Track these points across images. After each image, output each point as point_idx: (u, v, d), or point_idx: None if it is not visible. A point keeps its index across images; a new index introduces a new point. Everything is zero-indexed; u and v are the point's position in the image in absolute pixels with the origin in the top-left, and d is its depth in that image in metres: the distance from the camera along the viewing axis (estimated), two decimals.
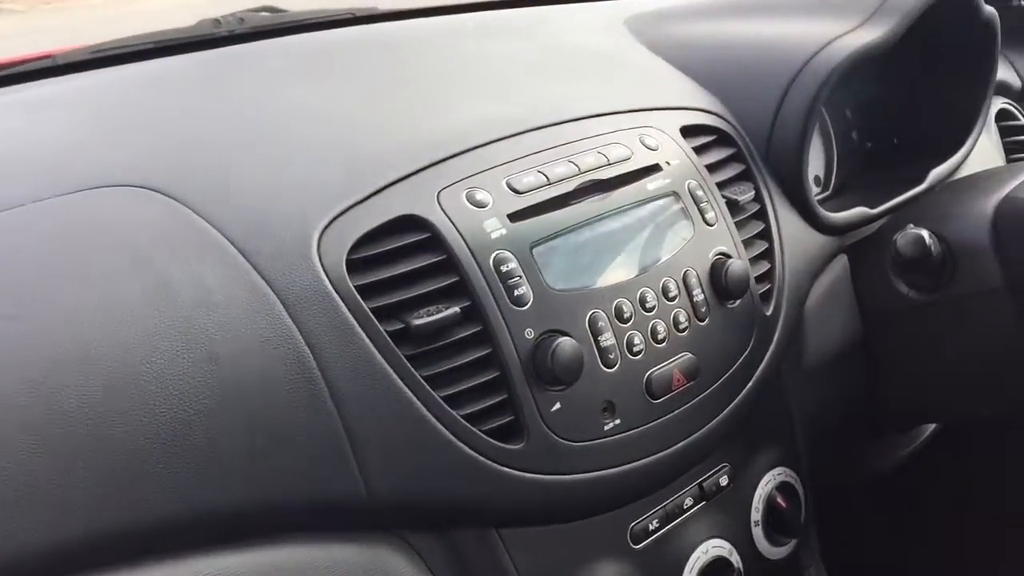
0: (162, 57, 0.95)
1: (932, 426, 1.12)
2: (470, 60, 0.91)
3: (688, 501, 0.79)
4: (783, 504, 0.84)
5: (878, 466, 1.09)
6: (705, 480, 0.80)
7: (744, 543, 0.82)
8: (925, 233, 0.81)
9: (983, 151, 1.15)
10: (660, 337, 0.74)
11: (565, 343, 0.67)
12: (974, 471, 1.19)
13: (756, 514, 0.84)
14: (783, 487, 0.86)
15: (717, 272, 0.78)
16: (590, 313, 0.71)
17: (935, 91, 1.10)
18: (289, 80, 0.85)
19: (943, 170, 1.06)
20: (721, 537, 0.80)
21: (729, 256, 0.80)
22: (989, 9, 1.02)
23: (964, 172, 1.11)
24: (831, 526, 1.00)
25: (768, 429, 0.87)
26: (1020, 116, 1.24)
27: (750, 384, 0.81)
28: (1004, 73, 1.25)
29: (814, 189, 1.12)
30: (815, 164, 1.13)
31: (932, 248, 0.82)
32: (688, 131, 0.85)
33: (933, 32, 1.03)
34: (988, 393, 0.96)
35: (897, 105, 1.13)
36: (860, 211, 0.98)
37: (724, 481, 0.82)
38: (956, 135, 1.09)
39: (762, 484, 0.85)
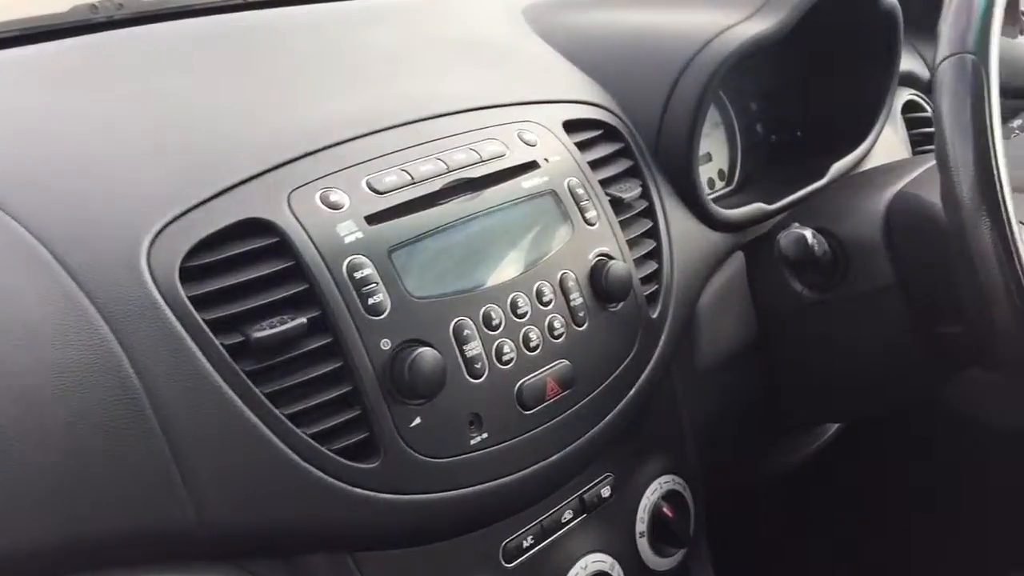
0: (31, 44, 0.88)
1: (831, 429, 1.11)
2: (340, 50, 0.86)
3: (567, 514, 0.76)
4: (669, 514, 0.82)
5: (782, 465, 1.07)
6: (586, 492, 0.77)
7: (628, 556, 0.79)
8: (808, 233, 0.79)
9: (889, 144, 1.14)
10: (533, 345, 0.71)
11: (424, 354, 0.63)
12: (878, 468, 1.18)
13: (641, 525, 0.81)
14: (670, 495, 0.83)
15: (597, 274, 0.75)
16: (455, 321, 0.67)
17: (838, 83, 1.08)
18: (146, 71, 0.79)
19: (845, 164, 1.04)
20: (603, 551, 0.77)
21: (611, 257, 0.76)
22: (891, 1, 0.99)
23: (869, 165, 1.09)
24: (730, 530, 0.98)
25: (656, 435, 0.84)
26: (928, 108, 1.22)
27: (633, 390, 0.77)
28: (911, 64, 1.23)
29: (718, 183, 1.10)
30: (719, 157, 1.10)
31: (816, 248, 0.79)
32: (572, 126, 0.82)
33: (832, 22, 1.00)
34: (884, 390, 0.94)
35: (800, 97, 1.10)
36: (757, 207, 0.95)
37: (606, 492, 0.79)
38: (859, 128, 1.07)
39: (648, 493, 0.82)
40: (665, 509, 0.81)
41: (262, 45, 0.88)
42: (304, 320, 0.61)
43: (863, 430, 1.13)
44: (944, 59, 0.71)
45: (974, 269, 0.67)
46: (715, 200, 1.08)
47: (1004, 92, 1.23)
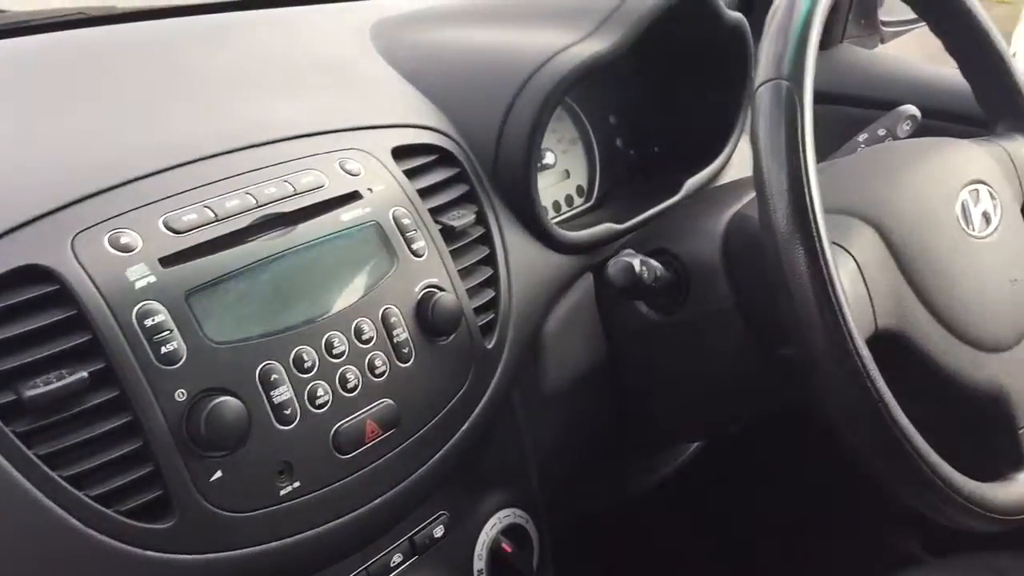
0: None
1: (692, 446, 1.11)
2: (164, 73, 0.82)
3: (396, 558, 0.73)
4: (508, 549, 0.80)
5: (641, 484, 1.06)
6: (416, 533, 0.75)
7: None
8: (637, 261, 0.78)
9: (745, 159, 1.14)
10: (351, 386, 0.68)
11: (223, 403, 0.60)
12: (736, 483, 1.19)
13: (480, 562, 0.79)
14: (511, 530, 0.81)
15: (424, 307, 0.72)
16: (261, 366, 0.64)
17: (692, 97, 1.07)
18: None
19: (699, 180, 1.04)
20: None
21: (440, 289, 0.74)
22: (734, 15, 0.99)
23: (726, 180, 1.09)
24: (586, 554, 0.97)
25: (497, 467, 0.82)
26: None
27: (466, 425, 0.75)
28: None
29: (576, 199, 1.08)
30: (577, 174, 1.09)
31: (645, 275, 0.78)
32: (402, 152, 0.79)
33: (679, 38, 1.00)
34: (730, 410, 0.94)
35: (657, 111, 1.10)
36: (606, 228, 0.94)
37: (439, 532, 0.76)
38: (714, 143, 1.07)
39: (486, 529, 0.80)
40: (504, 545, 0.79)
41: (81, 67, 0.83)
42: (84, 374, 0.57)
43: (720, 446, 1.13)
44: (760, 84, 0.70)
45: (789, 294, 0.67)
46: (573, 217, 1.07)
47: (859, 102, 1.26)
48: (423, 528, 0.75)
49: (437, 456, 0.73)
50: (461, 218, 0.79)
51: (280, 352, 0.65)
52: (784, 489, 1.32)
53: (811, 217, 0.66)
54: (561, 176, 1.07)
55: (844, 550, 1.32)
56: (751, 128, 0.70)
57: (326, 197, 0.71)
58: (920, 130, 1.05)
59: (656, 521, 1.23)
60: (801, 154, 0.67)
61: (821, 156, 1.23)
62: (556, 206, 1.06)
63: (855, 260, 0.72)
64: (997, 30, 0.89)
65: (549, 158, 1.04)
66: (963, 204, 0.79)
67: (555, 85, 0.84)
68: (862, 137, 1.04)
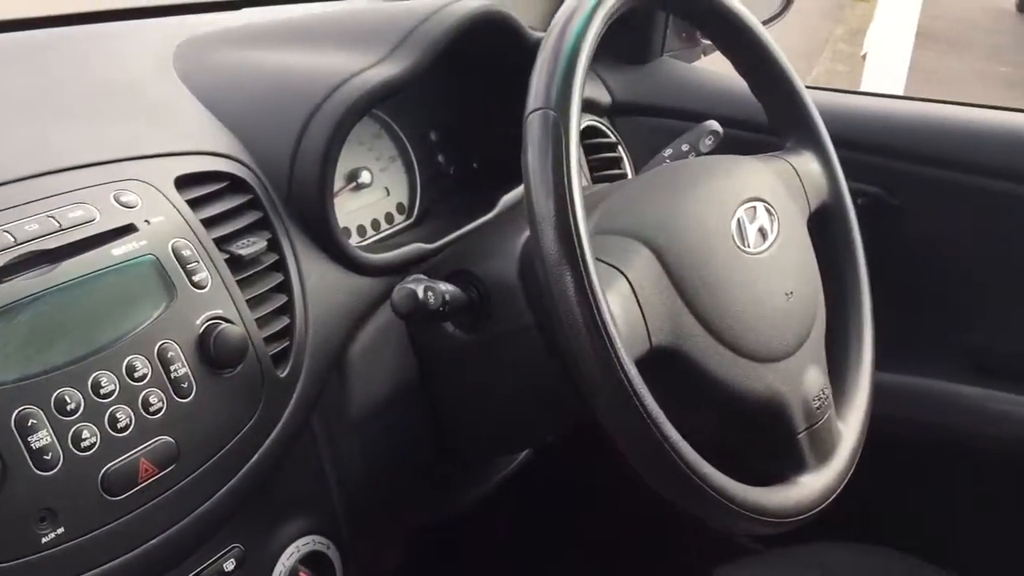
0: None
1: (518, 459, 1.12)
2: None
3: None
4: None
5: (465, 499, 1.07)
6: (205, 569, 0.74)
7: None
8: (420, 288, 0.78)
9: None
10: (122, 425, 0.66)
11: None
12: (566, 486, 1.22)
13: None
14: (311, 558, 0.81)
15: (206, 340, 0.72)
16: (17, 412, 0.62)
17: (504, 114, 1.09)
18: None
19: (513, 196, 1.05)
20: None
21: (226, 320, 0.73)
22: (536, 36, 1.01)
23: None
24: (414, 570, 0.97)
25: (295, 496, 0.82)
26: (609, 133, 1.26)
27: (256, 456, 0.75)
28: (592, 91, 1.27)
29: (397, 217, 1.09)
30: (397, 191, 1.09)
31: (431, 301, 0.79)
32: (186, 180, 0.78)
33: (486, 58, 1.01)
34: (539, 424, 0.96)
35: (473, 128, 1.11)
36: (414, 248, 0.94)
37: (230, 566, 0.75)
38: None
39: (283, 559, 0.79)
40: (302, 573, 0.79)
41: None
42: None
43: (545, 458, 1.16)
44: (529, 113, 0.72)
45: (559, 319, 0.68)
46: (393, 235, 1.07)
47: (676, 114, 1.29)
48: (212, 563, 0.74)
49: (224, 490, 0.72)
50: (251, 246, 0.78)
51: (39, 396, 0.63)
52: (619, 487, 1.36)
53: (576, 243, 0.68)
54: (381, 194, 1.07)
55: (680, 544, 1.36)
56: (521, 156, 0.71)
57: (96, 232, 0.69)
58: (729, 142, 1.10)
59: (485, 531, 1.25)
60: (566, 181, 0.69)
61: (636, 169, 1.27)
62: (375, 224, 1.06)
63: (629, 281, 0.74)
64: (779, 49, 0.93)
65: (365, 177, 1.04)
66: (739, 221, 0.82)
67: (347, 109, 0.84)
68: (667, 152, 1.07)
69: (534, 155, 0.70)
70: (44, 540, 0.62)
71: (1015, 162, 1.10)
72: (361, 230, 1.04)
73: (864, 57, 3.88)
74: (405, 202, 1.10)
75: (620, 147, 1.27)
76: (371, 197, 1.06)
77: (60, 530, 0.63)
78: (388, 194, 1.08)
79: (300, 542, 0.81)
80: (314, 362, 0.81)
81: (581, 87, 0.72)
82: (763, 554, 1.22)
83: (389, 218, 1.08)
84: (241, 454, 0.74)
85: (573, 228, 0.68)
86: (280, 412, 0.77)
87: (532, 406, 0.92)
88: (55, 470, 0.63)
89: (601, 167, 1.23)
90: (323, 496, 0.84)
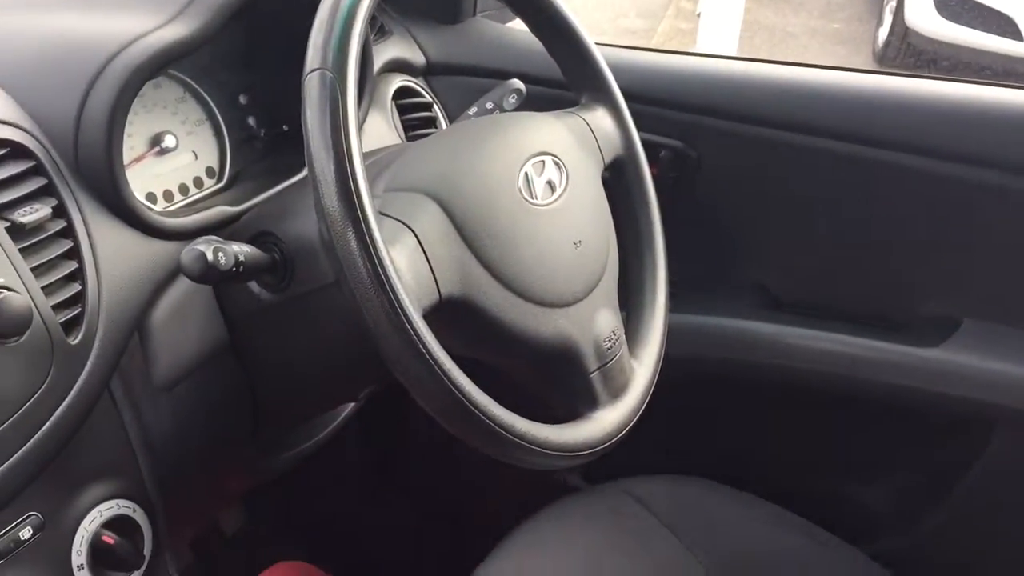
0: None
1: (343, 414, 1.15)
2: None
3: None
4: (110, 540, 0.80)
5: (284, 459, 1.09)
6: (0, 538, 0.74)
7: None
8: (210, 249, 0.79)
9: (378, 132, 1.18)
10: None
11: None
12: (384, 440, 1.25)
13: (79, 558, 0.79)
14: (116, 520, 0.81)
15: None
16: None
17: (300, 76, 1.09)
18: None
19: None
20: None
21: (9, 289, 0.72)
22: None
23: None
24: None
25: (95, 461, 0.82)
26: (424, 93, 1.28)
27: (48, 425, 0.75)
28: (405, 51, 1.29)
29: (206, 181, 1.08)
30: (206, 155, 1.09)
31: (222, 262, 0.80)
32: None
33: (283, 21, 1.01)
34: (348, 382, 0.99)
35: (281, 91, 1.11)
36: (218, 211, 0.95)
37: (27, 534, 0.75)
38: None
39: (85, 524, 0.80)
40: (105, 537, 0.80)
41: None
42: None
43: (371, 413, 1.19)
44: (308, 73, 0.73)
45: (344, 276, 0.70)
46: (203, 199, 1.06)
47: (488, 73, 1.32)
48: (6, 532, 0.74)
49: (15, 458, 0.72)
50: (34, 213, 0.77)
51: None
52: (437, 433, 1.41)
53: (356, 199, 0.70)
54: (189, 158, 1.07)
55: (510, 483, 1.42)
56: (301, 117, 0.73)
57: None
58: (534, 99, 1.14)
59: (311, 481, 1.27)
60: (344, 140, 0.71)
61: None
62: (183, 189, 1.05)
63: (415, 235, 0.77)
64: (568, 8, 0.97)
65: (170, 141, 1.04)
66: (526, 174, 0.86)
67: (132, 71, 0.83)
68: (472, 111, 1.10)
69: (312, 115, 0.72)
70: None
71: (797, 114, 1.18)
72: (168, 195, 1.03)
73: (699, 15, 4.01)
74: (215, 166, 1.09)
75: (436, 106, 1.29)
76: (178, 161, 1.05)
77: None
78: (196, 158, 1.07)
79: (103, 507, 0.81)
80: (109, 328, 0.81)
81: (358, 47, 0.74)
82: (585, 490, 1.29)
83: (198, 182, 1.07)
84: (32, 421, 0.73)
85: (352, 185, 0.70)
86: (73, 379, 0.77)
87: (342, 362, 0.95)
88: None
89: (417, 127, 1.25)
90: (127, 461, 0.85)
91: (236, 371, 0.95)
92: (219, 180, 1.09)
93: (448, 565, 1.07)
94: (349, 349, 0.93)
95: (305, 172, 1.04)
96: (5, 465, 0.71)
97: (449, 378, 0.73)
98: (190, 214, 0.93)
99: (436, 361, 0.72)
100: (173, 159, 1.04)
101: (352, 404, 1.17)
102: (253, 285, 0.91)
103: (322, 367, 0.95)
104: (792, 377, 1.22)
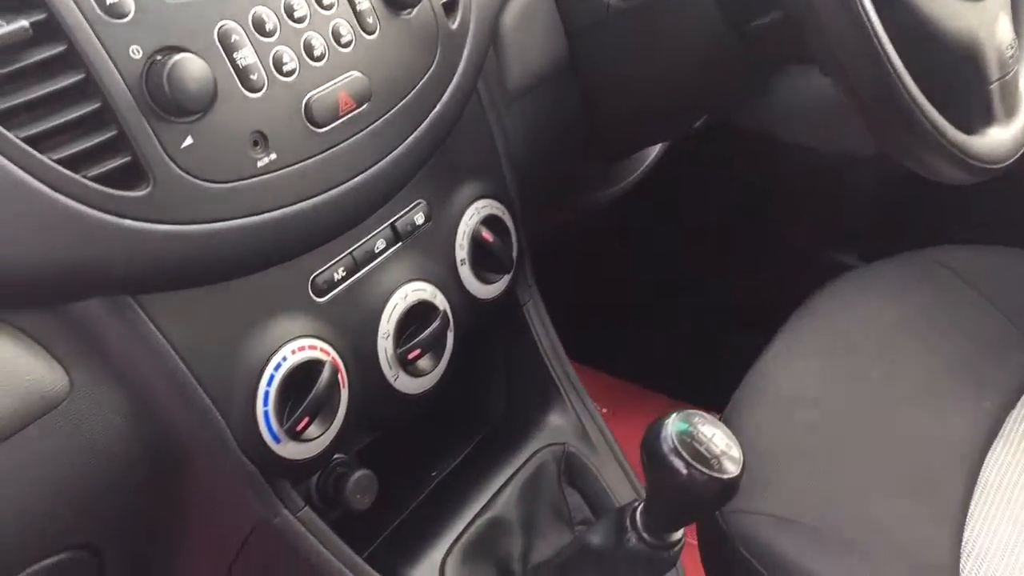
0: None
1: (652, 156, 1.09)
2: None
3: (380, 244, 0.70)
4: (489, 238, 0.77)
5: (600, 197, 1.05)
6: (398, 219, 0.71)
7: (450, 284, 0.75)
8: None
9: None
10: (318, 54, 0.63)
11: (184, 60, 0.54)
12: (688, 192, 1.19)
13: (461, 252, 0.76)
14: (490, 220, 0.79)
15: None
16: (220, 25, 0.58)
17: None
18: None
19: None
20: (423, 279, 0.73)
21: None
22: None
23: None
24: (552, 259, 0.96)
25: (469, 159, 0.79)
26: None
27: (438, 107, 0.71)
28: None
29: None
30: None
31: None
32: None
33: None
34: (691, 99, 0.92)
35: None
36: None
37: (420, 219, 0.73)
38: None
39: (465, 219, 0.77)
40: (485, 234, 0.77)
41: None
42: (25, 23, 0.50)
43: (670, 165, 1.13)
44: None
45: None
46: None
47: None
48: (404, 214, 0.72)
49: (411, 137, 0.69)
50: None
51: (237, 11, 0.59)
52: (740, 201, 1.34)
53: None
54: None
55: (791, 265, 1.35)
56: None
57: None
58: None
59: (617, 232, 1.24)
60: None
61: None
62: None
63: None
64: None
65: None
66: None
67: None
68: None
69: None
70: (259, 164, 0.59)
71: None
72: None
73: None
74: None
75: None
76: None
77: (273, 156, 0.60)
78: None
79: (479, 204, 0.78)
80: (479, 19, 0.76)
81: None
82: (881, 261, 1.20)
83: None
84: (424, 102, 0.70)
85: None
86: (456, 62, 0.73)
87: (687, 78, 0.88)
88: (261, 93, 0.59)
89: None
90: (494, 163, 0.81)
91: (574, 89, 0.90)
92: None
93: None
94: (699, 62, 0.86)
95: None
96: (404, 144, 0.68)
97: (890, 60, 0.66)
98: None
99: (879, 40, 0.66)
100: None
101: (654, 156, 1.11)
102: None
103: (663, 84, 0.89)
104: None
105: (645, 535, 0.65)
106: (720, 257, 1.42)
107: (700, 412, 0.63)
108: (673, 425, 0.61)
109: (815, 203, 1.34)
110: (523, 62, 0.85)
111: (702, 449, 0.60)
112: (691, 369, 1.41)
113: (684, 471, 0.60)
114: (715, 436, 0.61)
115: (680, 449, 0.60)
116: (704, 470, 0.59)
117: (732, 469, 0.60)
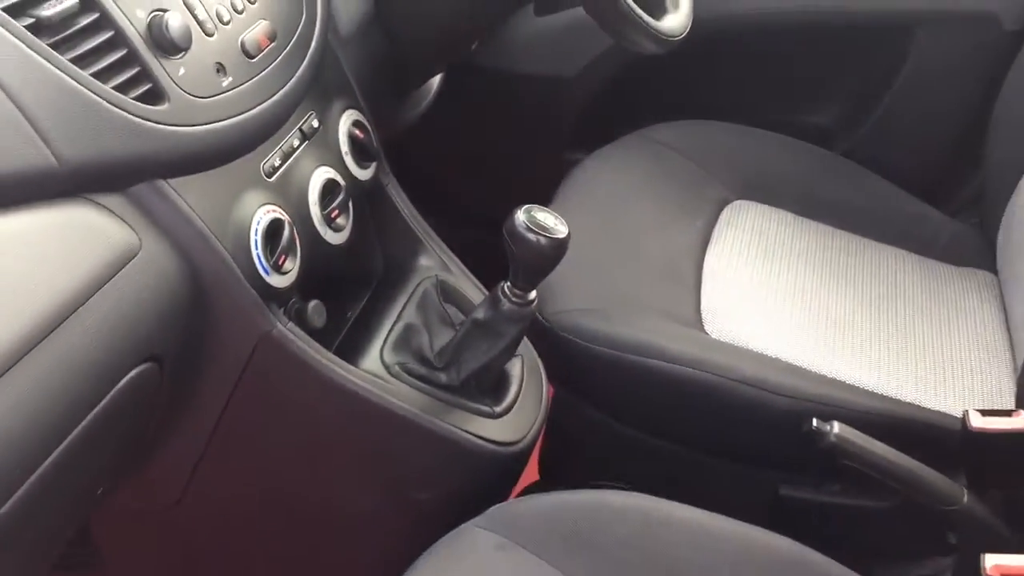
0: None
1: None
2: None
3: (295, 141, 1.00)
4: (360, 136, 1.09)
5: (409, 116, 1.39)
6: (303, 124, 1.02)
7: (342, 167, 1.06)
8: None
9: None
10: (240, 8, 0.92)
11: (173, 15, 0.82)
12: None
13: (344, 146, 1.08)
14: (357, 124, 1.10)
15: None
16: None
17: None
18: None
19: None
20: (326, 165, 1.03)
21: None
22: None
23: None
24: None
25: (336, 83, 1.10)
26: None
27: (314, 43, 1.02)
28: None
29: None
30: None
31: None
32: None
33: None
34: (470, 24, 1.29)
35: None
36: None
37: (316, 124, 1.04)
38: None
39: (342, 122, 1.08)
40: (357, 133, 1.09)
41: None
42: (75, 1, 0.76)
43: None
44: None
45: None
46: None
47: None
48: (305, 120, 1.02)
49: (303, 64, 0.99)
50: None
51: None
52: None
53: None
54: None
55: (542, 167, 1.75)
56: None
57: None
58: None
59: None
60: None
61: None
62: None
63: None
64: None
65: None
66: None
67: None
68: None
69: None
70: (223, 84, 0.88)
71: None
72: None
73: None
74: None
75: None
76: None
77: (230, 78, 0.89)
78: None
79: (348, 113, 1.09)
80: None
81: None
82: (613, 143, 1.61)
83: None
84: (306, 40, 1.01)
85: None
86: (315, 14, 1.04)
87: (461, 13, 1.24)
88: (214, 36, 0.88)
89: None
90: (350, 86, 1.12)
91: (383, 40, 1.23)
92: None
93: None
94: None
95: None
96: (299, 70, 0.98)
97: None
98: None
99: None
100: None
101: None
102: None
103: (444, 19, 1.24)
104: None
105: (514, 299, 1.00)
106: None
107: (535, 204, 0.98)
108: (523, 214, 0.96)
109: (538, 116, 1.75)
110: (347, 13, 1.16)
111: (543, 223, 0.96)
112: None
113: (534, 238, 0.95)
114: (547, 217, 0.97)
115: (530, 225, 0.95)
116: (548, 235, 0.95)
117: (563, 231, 0.96)
